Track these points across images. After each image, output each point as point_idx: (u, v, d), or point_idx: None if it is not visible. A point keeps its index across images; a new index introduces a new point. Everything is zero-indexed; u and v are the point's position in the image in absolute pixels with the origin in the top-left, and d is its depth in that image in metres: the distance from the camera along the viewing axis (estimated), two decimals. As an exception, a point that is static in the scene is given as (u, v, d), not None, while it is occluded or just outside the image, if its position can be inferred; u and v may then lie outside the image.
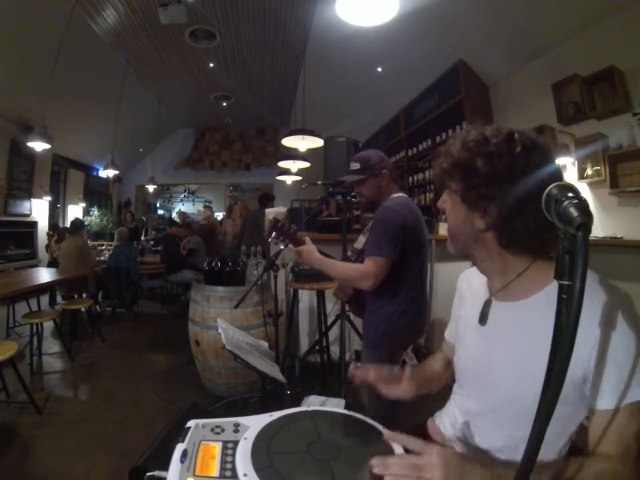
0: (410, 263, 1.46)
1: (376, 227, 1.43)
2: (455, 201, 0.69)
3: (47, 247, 5.56)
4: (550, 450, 0.64)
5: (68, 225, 6.30)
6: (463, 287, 0.88)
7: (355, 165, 1.52)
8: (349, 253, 1.71)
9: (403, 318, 1.47)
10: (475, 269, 0.87)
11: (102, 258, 4.92)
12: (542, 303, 0.63)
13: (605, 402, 0.57)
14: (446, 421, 0.84)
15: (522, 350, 0.64)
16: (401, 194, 1.54)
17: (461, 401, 0.81)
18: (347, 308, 2.20)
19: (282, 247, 1.51)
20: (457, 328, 0.87)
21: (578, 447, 0.67)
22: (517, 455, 0.64)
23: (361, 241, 1.69)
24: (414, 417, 0.99)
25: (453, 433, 0.79)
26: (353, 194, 2.10)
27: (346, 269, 1.46)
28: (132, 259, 4.51)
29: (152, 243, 6.57)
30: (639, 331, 0.57)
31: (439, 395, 0.90)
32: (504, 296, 0.71)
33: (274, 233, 1.40)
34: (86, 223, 6.08)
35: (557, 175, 0.63)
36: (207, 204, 9.72)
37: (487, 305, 0.74)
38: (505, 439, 0.67)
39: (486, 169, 0.62)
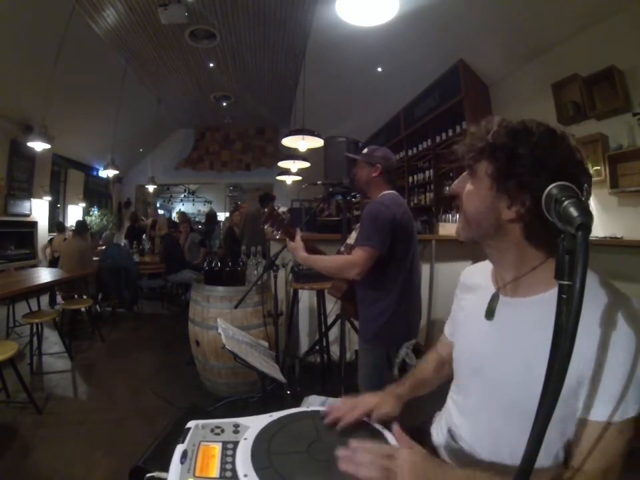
0: (400, 258, 1.50)
1: (365, 220, 1.48)
2: (480, 186, 0.66)
3: (45, 247, 5.54)
4: (546, 452, 0.62)
5: (67, 225, 6.33)
6: (466, 281, 0.87)
7: (364, 150, 1.67)
8: (342, 249, 1.73)
9: (398, 312, 1.50)
10: (477, 265, 0.87)
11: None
12: (552, 301, 0.62)
13: (598, 413, 0.56)
14: (443, 421, 0.84)
15: (528, 348, 0.63)
16: (391, 191, 1.59)
17: (458, 397, 0.80)
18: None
19: (277, 237, 1.55)
20: (456, 321, 0.87)
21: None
22: (515, 452, 0.65)
23: (353, 237, 1.73)
24: (414, 418, 0.99)
25: (447, 434, 0.79)
26: (353, 194, 2.11)
27: (332, 260, 1.51)
28: (124, 257, 4.50)
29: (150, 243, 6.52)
30: (639, 336, 0.56)
31: (439, 395, 0.90)
32: (512, 291, 0.69)
33: (269, 221, 1.41)
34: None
35: (589, 176, 0.64)
36: (181, 211, 9.64)
37: (494, 299, 0.72)
38: (503, 435, 0.67)
39: (530, 158, 0.60)
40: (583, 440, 0.57)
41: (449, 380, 0.89)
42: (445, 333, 0.96)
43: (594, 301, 0.57)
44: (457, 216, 0.74)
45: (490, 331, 0.71)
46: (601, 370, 0.56)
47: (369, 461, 0.55)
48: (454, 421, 0.80)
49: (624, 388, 0.55)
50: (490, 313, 0.72)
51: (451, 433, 0.79)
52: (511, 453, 0.65)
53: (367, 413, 0.75)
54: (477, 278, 0.82)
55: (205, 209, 13.51)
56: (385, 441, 0.64)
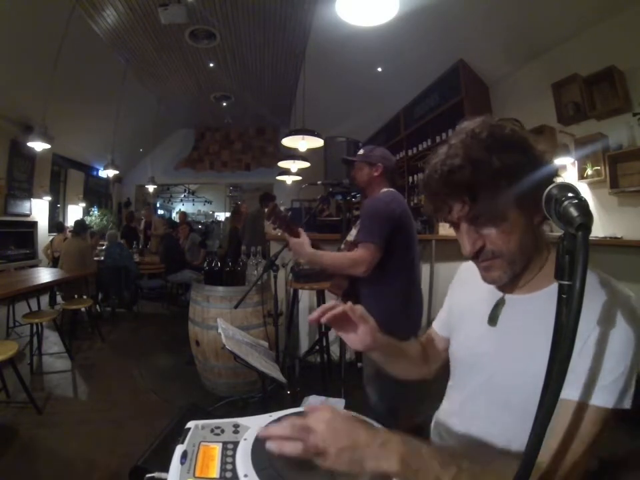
0: (401, 254, 1.51)
1: (365, 216, 1.50)
2: (510, 218, 0.60)
3: (47, 248, 5.52)
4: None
5: (67, 224, 6.32)
6: (465, 276, 0.86)
7: (360, 151, 1.67)
8: (342, 246, 1.74)
9: (401, 307, 1.51)
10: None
11: (102, 258, 4.93)
12: (552, 295, 0.62)
13: (576, 394, 0.55)
14: (441, 416, 0.84)
15: (528, 344, 0.63)
16: (390, 189, 1.60)
17: (454, 393, 0.80)
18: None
19: (279, 234, 1.54)
20: (452, 318, 0.85)
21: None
22: (507, 447, 0.65)
23: (352, 234, 1.73)
24: (414, 417, 0.99)
25: (447, 427, 0.79)
26: (353, 194, 2.11)
27: (338, 257, 1.51)
28: (124, 257, 4.50)
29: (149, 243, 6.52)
30: (637, 334, 0.56)
31: (439, 395, 0.90)
32: (515, 289, 0.69)
33: (272, 217, 1.41)
34: (86, 222, 6.06)
35: None
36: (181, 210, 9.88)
37: (499, 305, 0.71)
38: (497, 431, 0.67)
39: (533, 164, 0.59)
40: (562, 418, 0.56)
41: (437, 380, 0.89)
42: (434, 328, 0.93)
43: (594, 300, 0.57)
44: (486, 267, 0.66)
45: (490, 330, 0.71)
46: (599, 363, 0.56)
47: (284, 421, 0.52)
48: (448, 416, 0.80)
49: (621, 380, 0.55)
50: (494, 319, 0.71)
51: (444, 427, 0.79)
52: (502, 449, 0.65)
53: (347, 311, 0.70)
54: (476, 275, 0.81)
55: (205, 209, 13.53)
56: None
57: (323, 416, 0.52)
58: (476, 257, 0.65)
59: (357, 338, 0.74)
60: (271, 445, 0.50)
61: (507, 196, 0.58)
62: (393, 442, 0.51)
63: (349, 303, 0.72)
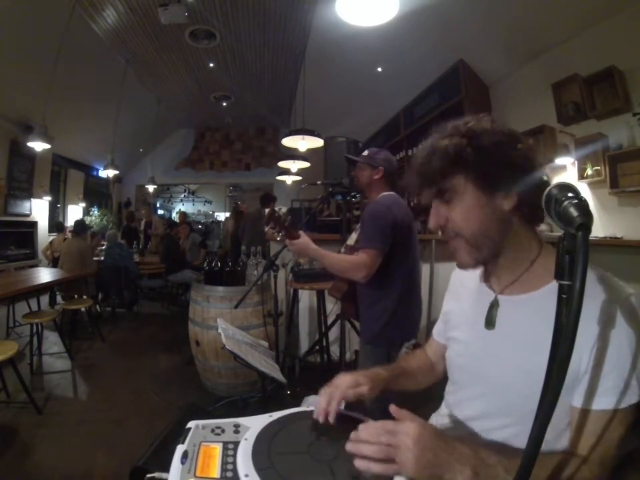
0: (401, 257, 1.51)
1: (366, 221, 1.50)
2: (467, 199, 0.64)
3: (46, 250, 5.52)
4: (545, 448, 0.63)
5: (67, 224, 6.32)
6: (457, 284, 0.86)
7: (365, 152, 1.68)
8: (342, 250, 1.74)
9: (400, 311, 1.51)
10: None
11: (102, 258, 4.93)
12: (547, 296, 0.61)
13: (599, 403, 0.56)
14: (440, 420, 0.84)
15: (528, 346, 0.63)
16: (391, 192, 1.60)
17: (453, 397, 0.80)
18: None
19: (278, 238, 1.55)
20: (449, 323, 0.85)
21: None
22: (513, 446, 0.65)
23: (353, 238, 1.74)
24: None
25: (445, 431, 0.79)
26: (353, 194, 2.11)
27: (341, 259, 1.52)
28: (124, 257, 4.50)
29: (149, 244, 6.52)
30: (638, 333, 0.56)
31: (438, 395, 0.90)
32: (511, 290, 0.69)
33: (271, 222, 1.41)
34: (86, 222, 6.06)
35: None
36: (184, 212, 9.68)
37: (493, 307, 0.71)
38: (500, 432, 0.67)
39: (515, 152, 0.62)
40: (585, 429, 0.57)
41: (440, 381, 0.89)
42: (434, 337, 0.94)
43: (592, 298, 0.57)
44: (453, 250, 0.70)
45: (487, 333, 0.71)
46: (602, 363, 0.56)
47: (370, 438, 0.54)
48: (447, 422, 0.80)
49: (624, 379, 0.55)
50: (491, 322, 0.71)
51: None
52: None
53: (344, 398, 0.73)
54: (468, 283, 0.81)
55: (205, 209, 13.53)
56: None
57: (411, 430, 0.53)
58: (443, 234, 0.69)
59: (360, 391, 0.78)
60: (359, 464, 0.52)
61: (465, 173, 0.63)
62: (466, 455, 0.53)
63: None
